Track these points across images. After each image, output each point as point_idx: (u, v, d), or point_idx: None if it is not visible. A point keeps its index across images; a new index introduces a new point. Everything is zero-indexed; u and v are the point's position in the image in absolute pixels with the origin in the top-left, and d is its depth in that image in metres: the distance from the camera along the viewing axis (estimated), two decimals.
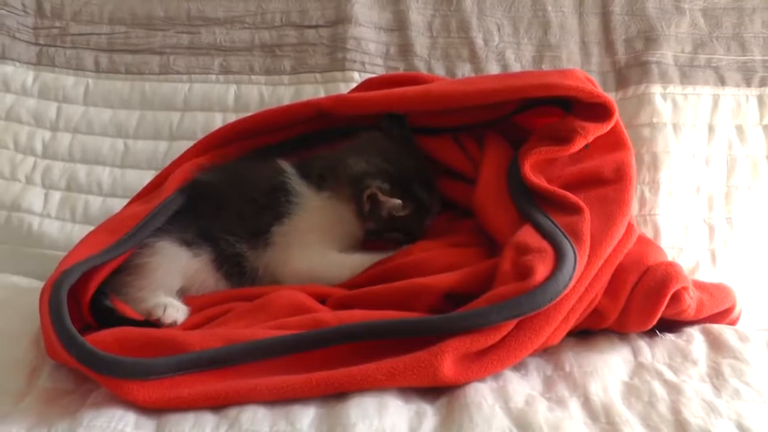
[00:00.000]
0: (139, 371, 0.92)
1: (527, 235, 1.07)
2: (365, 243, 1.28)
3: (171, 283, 1.18)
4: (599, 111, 1.20)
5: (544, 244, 1.03)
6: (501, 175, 1.23)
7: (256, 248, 1.21)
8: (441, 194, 1.30)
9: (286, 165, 1.27)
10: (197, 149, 1.33)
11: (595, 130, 1.19)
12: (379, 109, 1.29)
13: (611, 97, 1.48)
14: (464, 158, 1.31)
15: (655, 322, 1.07)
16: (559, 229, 1.06)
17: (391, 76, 1.44)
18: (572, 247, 1.02)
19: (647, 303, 1.06)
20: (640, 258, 1.09)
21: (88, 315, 1.07)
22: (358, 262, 1.22)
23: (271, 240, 1.22)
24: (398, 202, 1.21)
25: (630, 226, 1.12)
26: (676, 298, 1.07)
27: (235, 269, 1.21)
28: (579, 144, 1.19)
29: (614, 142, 1.23)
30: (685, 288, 1.07)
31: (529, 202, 1.15)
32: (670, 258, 1.21)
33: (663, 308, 1.06)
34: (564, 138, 1.20)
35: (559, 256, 1.00)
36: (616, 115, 1.21)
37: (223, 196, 1.23)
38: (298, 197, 1.24)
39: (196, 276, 1.20)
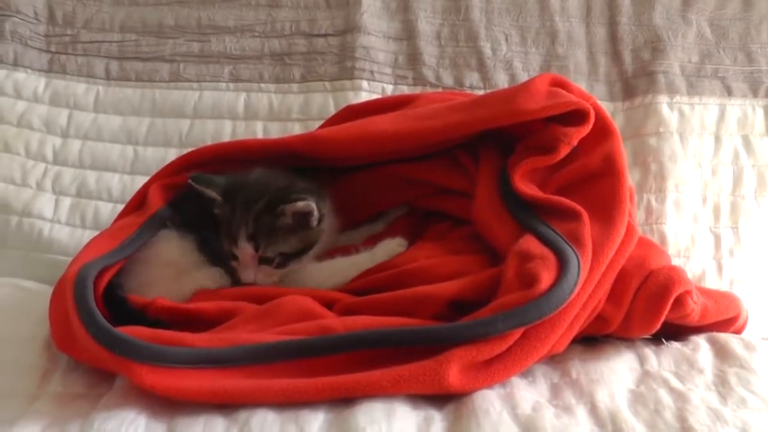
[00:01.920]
0: (151, 355, 0.94)
1: (529, 243, 1.07)
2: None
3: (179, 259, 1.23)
4: (578, 114, 1.19)
5: (547, 252, 1.03)
6: (496, 189, 1.22)
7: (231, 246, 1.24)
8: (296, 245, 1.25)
9: None
10: (171, 169, 1.34)
11: (578, 134, 1.18)
12: (351, 149, 1.29)
13: (617, 106, 1.50)
14: (461, 176, 1.30)
15: (658, 326, 1.07)
16: (561, 236, 1.06)
17: (373, 103, 1.43)
18: (575, 253, 1.02)
19: (650, 308, 1.06)
20: (643, 262, 1.09)
21: (100, 306, 1.08)
22: (339, 266, 1.25)
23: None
24: (213, 195, 1.22)
25: (631, 228, 1.11)
26: (680, 302, 1.06)
27: (219, 259, 1.25)
28: (564, 151, 1.18)
29: (599, 131, 1.20)
30: (688, 292, 1.07)
31: (527, 213, 1.15)
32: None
33: (666, 312, 1.05)
34: (549, 147, 1.19)
35: (562, 263, 1.00)
36: (592, 116, 1.18)
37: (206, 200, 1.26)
38: None
39: (191, 257, 1.24)
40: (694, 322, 1.11)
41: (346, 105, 1.46)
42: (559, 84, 1.25)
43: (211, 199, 1.23)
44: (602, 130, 1.20)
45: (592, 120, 1.18)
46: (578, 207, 1.10)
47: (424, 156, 1.32)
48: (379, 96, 1.52)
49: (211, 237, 1.24)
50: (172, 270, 1.22)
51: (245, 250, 1.21)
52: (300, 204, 1.20)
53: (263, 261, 1.22)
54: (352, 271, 1.24)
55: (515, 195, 1.17)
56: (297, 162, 1.31)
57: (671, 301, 1.05)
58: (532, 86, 1.22)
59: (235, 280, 1.24)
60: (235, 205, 1.21)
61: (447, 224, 1.32)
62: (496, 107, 1.23)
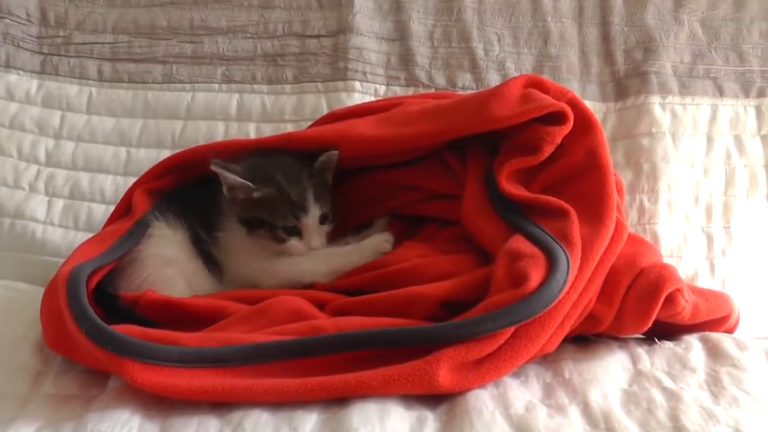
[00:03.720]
0: (143, 353, 0.94)
1: (518, 242, 1.07)
2: None
3: (172, 255, 1.24)
4: (557, 112, 1.18)
5: (536, 251, 1.03)
6: (483, 190, 1.22)
7: (212, 238, 1.27)
8: (331, 202, 1.28)
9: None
10: (154, 173, 1.34)
11: (560, 132, 1.17)
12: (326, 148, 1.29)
13: (610, 106, 1.51)
14: (451, 180, 1.30)
15: (649, 324, 1.06)
16: (549, 235, 1.05)
17: (355, 109, 1.42)
18: (564, 251, 1.01)
19: (641, 306, 1.05)
20: (633, 260, 1.08)
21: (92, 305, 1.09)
22: (324, 256, 1.26)
23: (218, 236, 1.27)
24: (242, 180, 1.22)
25: (620, 225, 1.10)
26: (671, 300, 1.06)
27: (204, 251, 1.26)
28: (548, 150, 1.18)
29: (581, 126, 1.19)
30: (679, 290, 1.06)
31: (515, 213, 1.14)
32: None
33: (657, 310, 1.05)
34: (533, 147, 1.19)
35: (551, 262, 0.99)
36: (571, 114, 1.17)
37: (188, 192, 1.30)
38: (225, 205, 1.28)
39: (184, 252, 1.25)
40: (686, 321, 1.10)
41: (328, 112, 1.46)
42: (535, 84, 1.24)
43: (241, 186, 1.23)
44: (584, 125, 1.19)
45: (572, 118, 1.18)
46: (566, 205, 1.10)
47: (415, 159, 1.32)
48: (372, 97, 1.53)
49: (202, 236, 1.26)
50: (175, 269, 1.23)
51: (314, 212, 1.24)
52: (333, 153, 1.25)
53: (321, 220, 1.26)
54: (339, 261, 1.24)
55: (502, 196, 1.17)
56: None
57: (662, 299, 1.04)
58: (506, 91, 1.21)
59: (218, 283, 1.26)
60: (279, 182, 1.23)
61: (438, 224, 1.32)
62: (468, 115, 1.23)
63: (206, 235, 1.26)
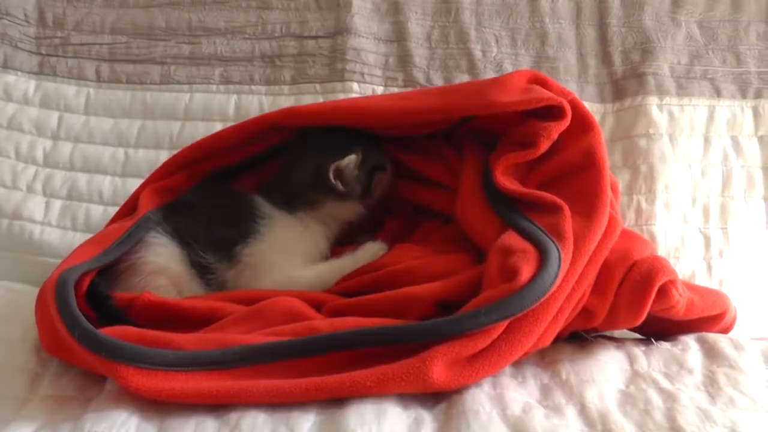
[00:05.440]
0: (137, 357, 0.94)
1: (510, 238, 1.07)
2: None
3: (166, 265, 1.22)
4: (555, 109, 1.18)
5: (527, 246, 1.03)
6: (478, 185, 1.23)
7: (222, 262, 1.24)
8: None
9: (252, 192, 1.31)
10: (163, 171, 1.35)
11: (557, 128, 1.17)
12: (327, 121, 1.30)
13: (607, 107, 1.51)
14: (448, 171, 1.31)
15: (643, 317, 1.06)
16: (541, 230, 1.05)
17: None
18: (555, 245, 1.01)
19: (634, 298, 1.05)
20: (626, 253, 1.08)
21: (84, 307, 1.09)
22: (326, 271, 1.26)
23: (237, 258, 1.25)
24: (351, 156, 1.26)
25: (613, 220, 1.10)
26: (664, 292, 1.05)
27: (204, 274, 1.24)
28: (544, 146, 1.18)
29: (579, 126, 1.19)
30: (672, 281, 1.06)
31: (509, 208, 1.15)
32: None
33: (650, 302, 1.04)
34: (529, 142, 1.19)
35: (542, 256, 1.00)
36: (569, 111, 1.18)
37: (194, 208, 1.27)
38: (265, 220, 1.27)
39: (179, 266, 1.24)
40: (680, 316, 1.10)
41: None
42: (538, 81, 1.25)
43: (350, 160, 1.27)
44: (582, 125, 1.19)
45: (569, 114, 1.18)
46: (559, 201, 1.10)
47: (416, 151, 1.34)
48: None
49: (198, 251, 1.24)
50: (166, 278, 1.22)
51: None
52: None
53: None
54: (334, 275, 1.24)
55: (497, 190, 1.17)
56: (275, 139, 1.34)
57: (655, 290, 1.04)
58: (508, 80, 1.22)
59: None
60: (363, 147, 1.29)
61: (435, 224, 1.33)
62: (469, 96, 1.24)
63: (213, 257, 1.24)
